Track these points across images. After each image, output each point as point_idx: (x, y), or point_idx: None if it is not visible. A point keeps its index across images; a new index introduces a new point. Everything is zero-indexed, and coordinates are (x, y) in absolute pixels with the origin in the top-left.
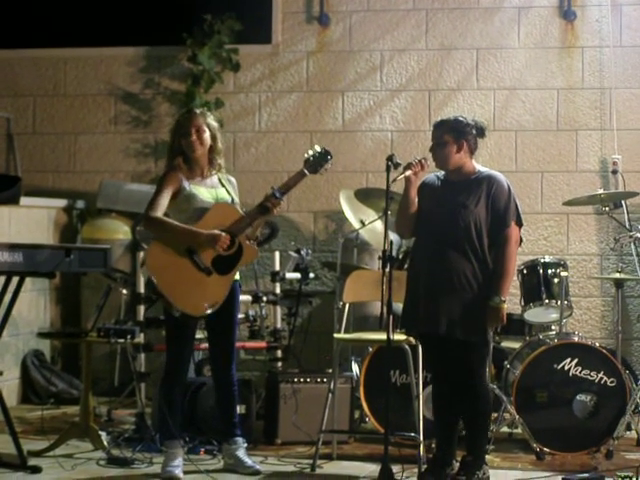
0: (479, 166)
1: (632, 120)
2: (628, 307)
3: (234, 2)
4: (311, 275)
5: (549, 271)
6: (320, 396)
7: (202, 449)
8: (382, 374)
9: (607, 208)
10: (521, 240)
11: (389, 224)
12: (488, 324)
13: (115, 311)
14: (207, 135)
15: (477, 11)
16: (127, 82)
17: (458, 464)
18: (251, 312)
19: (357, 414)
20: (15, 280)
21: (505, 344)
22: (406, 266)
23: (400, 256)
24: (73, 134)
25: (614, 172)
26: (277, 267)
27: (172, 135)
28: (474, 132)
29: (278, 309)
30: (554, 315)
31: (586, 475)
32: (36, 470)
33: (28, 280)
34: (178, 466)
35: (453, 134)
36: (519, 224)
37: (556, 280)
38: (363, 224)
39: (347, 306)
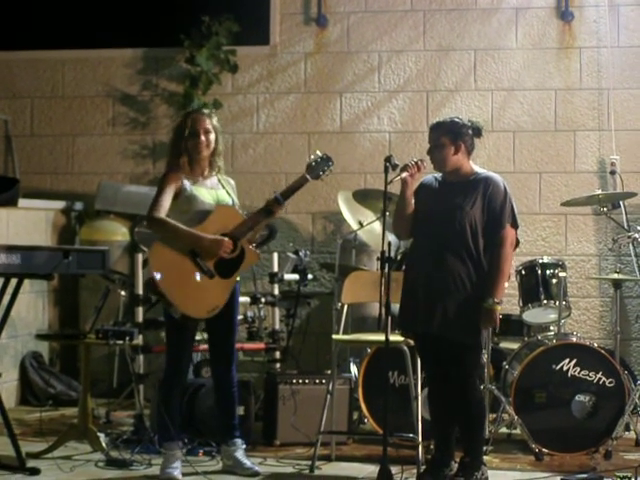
0: (477, 167)
1: (630, 120)
2: (626, 307)
3: (232, 3)
4: (309, 276)
5: (547, 272)
6: (319, 397)
7: (201, 450)
8: (381, 375)
9: (605, 209)
10: (518, 242)
11: (387, 225)
12: (482, 326)
13: (113, 313)
14: (213, 136)
15: (475, 12)
16: (125, 84)
17: (457, 465)
18: (249, 313)
19: (356, 415)
20: (13, 282)
21: (504, 345)
22: (404, 267)
23: (398, 257)
24: (71, 136)
25: (612, 173)
26: (275, 268)
27: (177, 134)
28: (471, 132)
29: (276, 310)
30: (552, 316)
31: (585, 475)
32: (35, 472)
33: (26, 282)
34: (177, 468)
35: (450, 136)
36: (515, 226)
37: (554, 281)
38: (361, 225)
39: (345, 307)
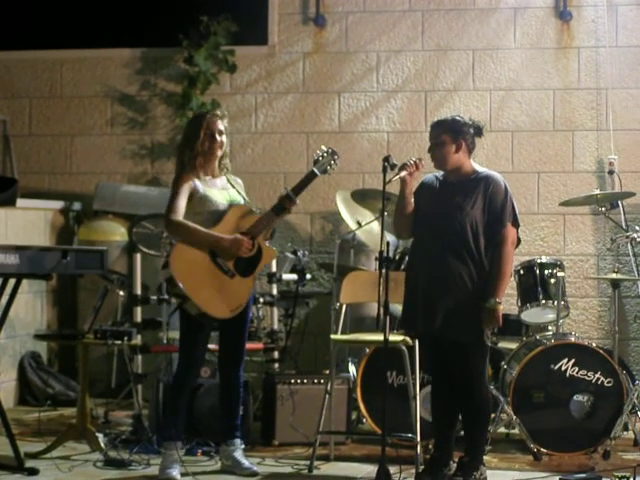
0: (478, 166)
1: (628, 120)
2: (625, 307)
3: (230, 3)
4: (308, 276)
5: (546, 271)
6: (317, 397)
7: (199, 450)
8: (379, 375)
9: (603, 208)
10: (519, 241)
11: (385, 225)
12: (484, 325)
13: (112, 313)
14: (225, 138)
15: (473, 12)
16: (123, 84)
17: (455, 465)
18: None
19: (354, 415)
20: (12, 282)
21: (502, 344)
22: (403, 267)
23: (397, 257)
24: (69, 136)
25: (610, 172)
26: (274, 268)
27: (190, 135)
28: (472, 131)
29: (275, 310)
30: (551, 315)
31: (583, 475)
32: (33, 472)
33: (25, 282)
34: (176, 468)
35: (451, 134)
36: (516, 225)
37: (553, 280)
38: (360, 225)
39: (344, 307)
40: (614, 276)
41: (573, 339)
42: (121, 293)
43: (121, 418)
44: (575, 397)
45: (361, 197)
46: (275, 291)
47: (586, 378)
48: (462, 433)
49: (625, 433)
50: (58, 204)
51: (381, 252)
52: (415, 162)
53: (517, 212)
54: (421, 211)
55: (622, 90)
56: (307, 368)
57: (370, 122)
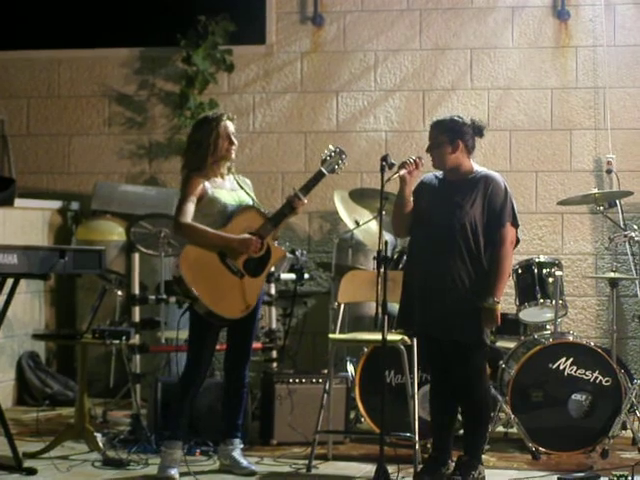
0: (477, 166)
1: (626, 119)
2: (623, 306)
3: (228, 3)
4: (306, 276)
5: (544, 271)
6: (315, 396)
7: (198, 450)
8: (377, 374)
9: (601, 207)
10: (518, 241)
11: (384, 224)
12: (483, 325)
13: (110, 312)
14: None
15: (471, 11)
16: (121, 83)
17: (454, 464)
18: None
19: (352, 414)
20: (10, 282)
21: (500, 344)
22: (401, 266)
23: (395, 256)
24: (67, 135)
25: (608, 171)
26: (272, 268)
27: (203, 137)
28: (471, 132)
29: (273, 310)
30: (549, 314)
31: (582, 474)
32: (31, 472)
33: (23, 282)
34: (175, 467)
35: (448, 134)
36: (515, 225)
37: (551, 280)
38: (358, 224)
39: (342, 306)
40: (612, 275)
41: (571, 338)
42: (119, 293)
43: (119, 418)
44: (573, 396)
45: (359, 196)
46: (273, 290)
47: (584, 377)
48: (461, 432)
49: (623, 432)
50: (56, 204)
51: (379, 251)
52: (415, 161)
53: (516, 212)
54: (420, 210)
55: (620, 89)
56: (305, 367)
57: (368, 121)
